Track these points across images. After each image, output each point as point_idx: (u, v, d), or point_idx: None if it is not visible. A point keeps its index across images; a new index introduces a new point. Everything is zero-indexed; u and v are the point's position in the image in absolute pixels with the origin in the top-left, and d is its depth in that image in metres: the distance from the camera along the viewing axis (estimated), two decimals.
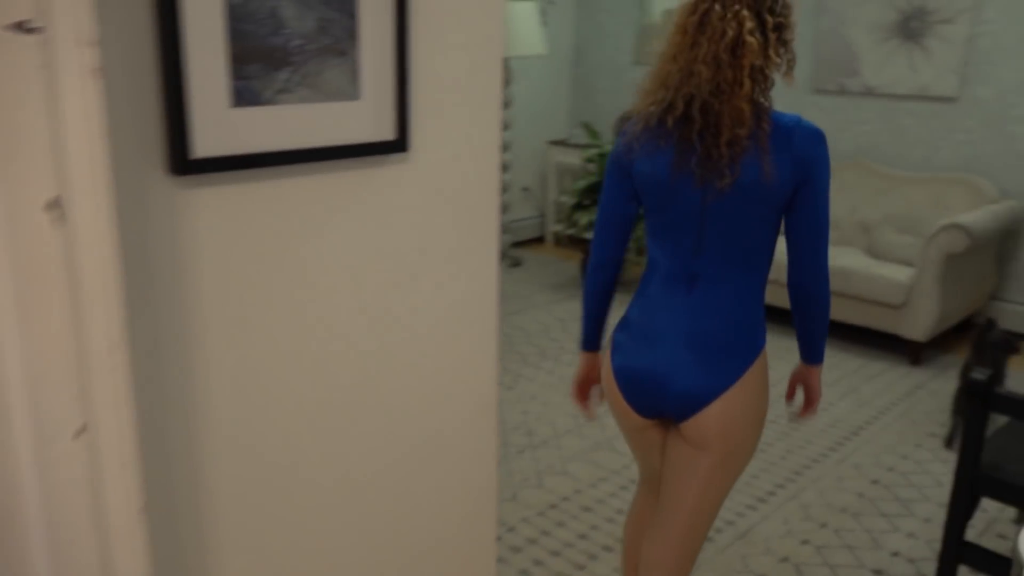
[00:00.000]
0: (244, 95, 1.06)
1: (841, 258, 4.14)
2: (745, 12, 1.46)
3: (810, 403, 1.79)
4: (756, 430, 1.67)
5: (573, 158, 6.00)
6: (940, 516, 2.76)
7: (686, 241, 1.60)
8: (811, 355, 1.74)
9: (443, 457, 1.43)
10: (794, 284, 1.63)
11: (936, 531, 2.67)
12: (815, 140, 1.53)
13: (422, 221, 1.30)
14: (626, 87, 6.00)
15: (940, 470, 3.06)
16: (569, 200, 5.01)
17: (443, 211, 1.33)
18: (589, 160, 4.94)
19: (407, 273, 1.30)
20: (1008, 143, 4.37)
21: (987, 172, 4.45)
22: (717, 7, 1.48)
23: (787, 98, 4.97)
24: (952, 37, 4.43)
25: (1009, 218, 4.15)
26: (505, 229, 5.54)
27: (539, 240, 6.40)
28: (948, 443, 3.23)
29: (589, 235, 4.90)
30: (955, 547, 2.21)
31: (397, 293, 1.29)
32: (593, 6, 6.11)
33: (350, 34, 1.15)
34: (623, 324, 1.74)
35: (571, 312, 4.75)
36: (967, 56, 4.42)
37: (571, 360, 4.01)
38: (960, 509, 2.18)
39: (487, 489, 1.52)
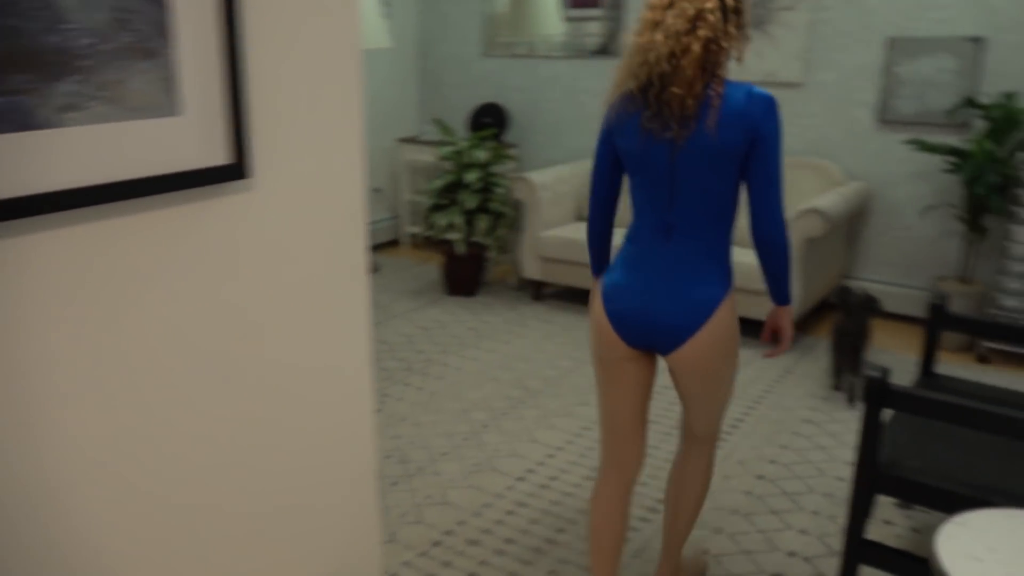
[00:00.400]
0: (8, 116, 0.76)
1: None
2: None
3: (782, 341, 2.03)
4: (732, 357, 1.95)
5: (426, 156, 5.74)
6: (828, 508, 2.74)
7: (660, 197, 1.85)
8: (780, 297, 1.96)
9: (319, 532, 1.17)
10: (756, 234, 1.85)
11: (825, 524, 2.64)
12: (765, 104, 1.76)
13: (272, 261, 1.03)
14: (475, 80, 5.80)
15: (819, 457, 3.06)
16: (425, 201, 4.76)
17: (298, 247, 1.06)
18: (445, 158, 4.70)
19: (258, 324, 1.03)
20: (850, 126, 4.50)
21: (832, 155, 4.57)
22: None
23: None
24: (794, 24, 4.51)
25: (857, 200, 4.27)
26: None
27: (394, 243, 6.11)
28: (850, 400, 3.55)
29: (449, 236, 4.68)
30: (856, 547, 2.15)
31: (247, 348, 1.02)
32: None
33: (159, 29, 0.86)
34: (612, 270, 1.96)
35: (435, 320, 4.51)
36: (810, 42, 4.51)
37: (440, 373, 3.79)
38: (860, 510, 2.12)
39: (367, 557, 1.27)
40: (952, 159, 4.06)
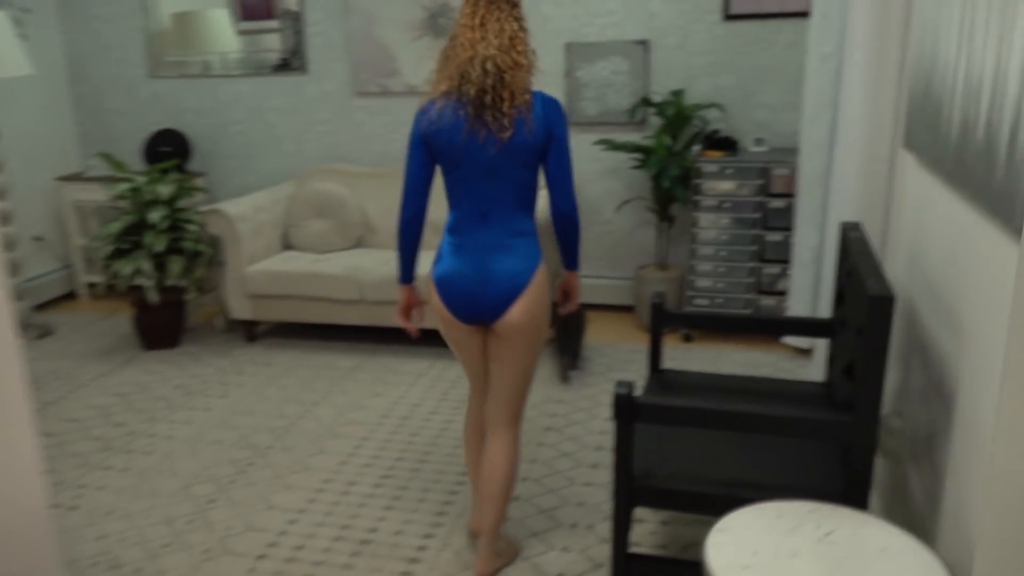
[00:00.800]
0: None
1: (350, 259, 4.01)
2: (511, 17, 2.10)
3: (572, 300, 2.47)
4: (544, 318, 2.28)
5: (96, 194, 5.03)
6: (584, 518, 2.73)
7: (478, 188, 2.17)
8: (572, 264, 2.37)
9: None
10: (555, 212, 2.23)
11: (585, 537, 2.63)
12: (557, 105, 2.17)
13: None
14: (144, 105, 5.20)
15: (566, 465, 3.07)
16: (103, 247, 4.14)
17: None
18: (121, 197, 4.12)
19: None
20: None
21: None
22: (494, 13, 2.08)
23: (334, 103, 4.59)
24: None
25: None
26: (21, 294, 4.43)
27: (70, 296, 5.31)
28: (565, 379, 3.79)
29: (140, 282, 4.12)
30: (623, 562, 2.13)
31: None
32: (84, 13, 5.15)
33: None
34: (439, 261, 2.25)
35: (133, 382, 3.95)
36: None
37: (148, 446, 3.29)
38: (622, 526, 2.10)
39: None
40: (637, 156, 4.32)
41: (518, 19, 2.10)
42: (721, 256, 4.11)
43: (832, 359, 2.54)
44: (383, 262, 4.30)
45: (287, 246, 4.71)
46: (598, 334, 4.43)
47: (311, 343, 4.42)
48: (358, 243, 4.68)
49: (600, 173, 4.63)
